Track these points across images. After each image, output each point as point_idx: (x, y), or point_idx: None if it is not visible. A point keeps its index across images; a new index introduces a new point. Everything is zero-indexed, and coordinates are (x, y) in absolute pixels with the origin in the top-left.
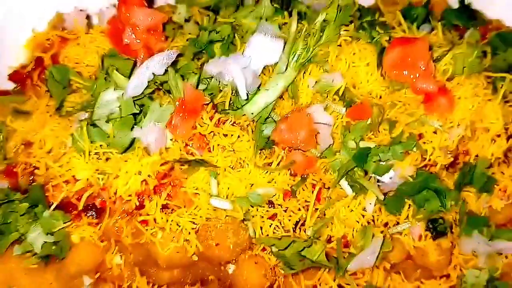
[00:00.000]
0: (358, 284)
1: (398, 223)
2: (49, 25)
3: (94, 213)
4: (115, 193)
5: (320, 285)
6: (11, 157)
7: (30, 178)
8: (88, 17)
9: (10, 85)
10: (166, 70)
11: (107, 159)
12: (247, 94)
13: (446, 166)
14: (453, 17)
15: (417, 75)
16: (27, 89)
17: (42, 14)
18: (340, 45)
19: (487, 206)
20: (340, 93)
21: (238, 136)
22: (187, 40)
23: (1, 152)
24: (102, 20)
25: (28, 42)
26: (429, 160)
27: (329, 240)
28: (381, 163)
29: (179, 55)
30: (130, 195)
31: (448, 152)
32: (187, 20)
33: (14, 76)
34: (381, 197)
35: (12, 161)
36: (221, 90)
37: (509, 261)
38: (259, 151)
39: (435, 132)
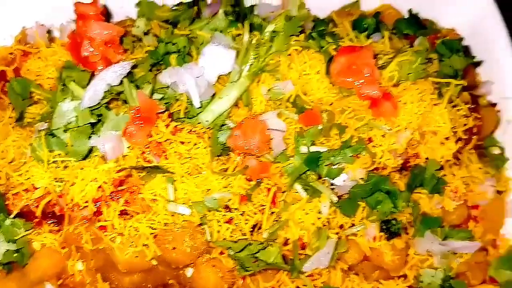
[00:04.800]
0: (315, 285)
1: (353, 225)
2: (15, 40)
3: (55, 220)
4: (72, 200)
5: (279, 287)
6: None
7: None
8: (49, 31)
9: None
10: (121, 81)
11: (65, 167)
12: (200, 103)
13: (399, 169)
14: (403, 27)
15: (362, 81)
16: None
17: (9, 31)
18: (290, 55)
19: (440, 207)
20: (291, 100)
21: (195, 144)
22: (146, 52)
23: None
24: (64, 34)
25: None
26: (379, 163)
27: (286, 243)
28: (333, 166)
29: (134, 66)
30: (86, 202)
31: (398, 155)
32: (146, 33)
33: None
34: (335, 199)
35: None
36: (177, 100)
37: (465, 260)
38: (216, 157)
39: (383, 136)
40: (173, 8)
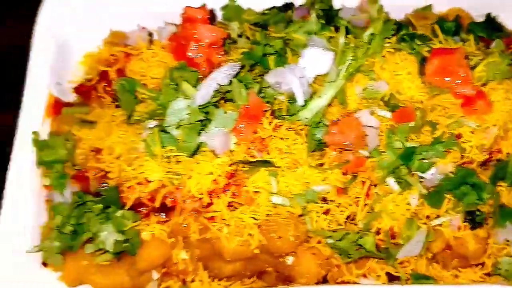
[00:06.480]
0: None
1: (438, 216)
2: (104, 43)
3: (163, 213)
4: (189, 192)
5: (369, 273)
6: (79, 163)
7: (101, 182)
8: (150, 34)
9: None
10: (230, 81)
11: (177, 162)
12: (304, 101)
13: (481, 163)
14: (479, 30)
15: (458, 81)
16: (91, 100)
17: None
18: (384, 56)
19: None
20: (386, 99)
21: (294, 140)
22: (241, 53)
23: (70, 159)
24: (161, 36)
25: (85, 59)
26: (467, 157)
27: (377, 232)
28: (424, 161)
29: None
30: (201, 194)
31: (483, 150)
32: (239, 36)
33: (79, 89)
34: (425, 192)
35: (82, 167)
36: (275, 98)
37: None
38: (311, 153)
39: (472, 132)
40: (264, 12)
